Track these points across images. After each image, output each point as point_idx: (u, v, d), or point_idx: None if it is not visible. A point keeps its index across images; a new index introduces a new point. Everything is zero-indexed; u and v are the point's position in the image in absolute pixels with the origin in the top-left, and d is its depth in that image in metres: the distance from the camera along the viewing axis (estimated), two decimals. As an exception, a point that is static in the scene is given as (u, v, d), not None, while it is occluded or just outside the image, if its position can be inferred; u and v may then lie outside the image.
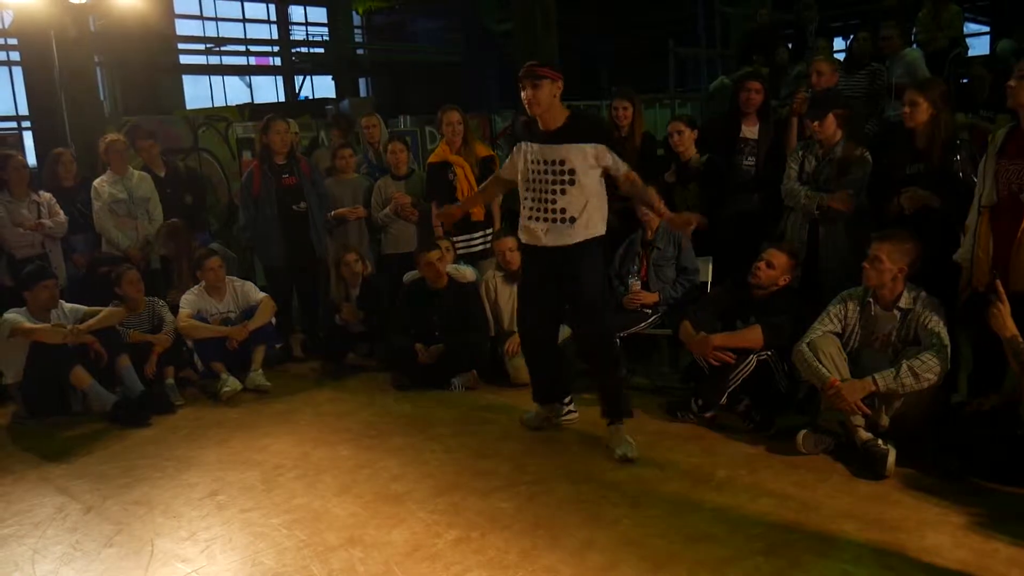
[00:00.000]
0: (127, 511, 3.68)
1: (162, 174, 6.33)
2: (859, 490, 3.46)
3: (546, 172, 3.93)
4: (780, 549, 3.01)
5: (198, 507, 3.67)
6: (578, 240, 3.94)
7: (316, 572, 3.04)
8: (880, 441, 3.61)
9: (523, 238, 4.12)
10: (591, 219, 3.95)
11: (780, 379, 4.26)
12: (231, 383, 5.31)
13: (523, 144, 4.06)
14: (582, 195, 3.90)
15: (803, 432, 3.82)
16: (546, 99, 3.87)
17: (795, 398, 4.33)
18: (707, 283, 5.18)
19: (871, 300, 3.87)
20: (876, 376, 3.62)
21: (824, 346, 3.80)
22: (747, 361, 4.19)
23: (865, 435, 3.65)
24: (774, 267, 4.31)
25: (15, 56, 14.61)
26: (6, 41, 14.84)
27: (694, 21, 15.20)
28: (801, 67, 8.45)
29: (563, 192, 3.89)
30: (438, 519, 3.38)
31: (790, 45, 9.27)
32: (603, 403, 4.13)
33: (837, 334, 3.89)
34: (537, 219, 3.98)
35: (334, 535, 3.31)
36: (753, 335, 4.21)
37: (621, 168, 3.99)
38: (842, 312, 3.92)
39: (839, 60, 5.39)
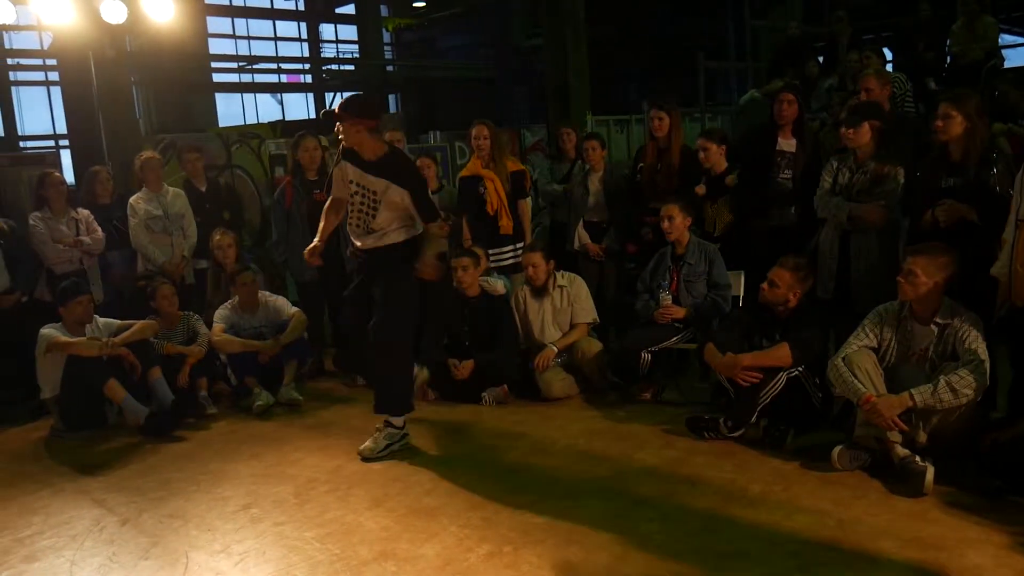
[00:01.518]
0: (162, 524, 3.72)
1: (203, 188, 6.43)
2: (897, 507, 3.40)
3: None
4: (816, 567, 2.97)
5: (232, 520, 3.70)
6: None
7: (349, 586, 3.05)
8: (918, 458, 3.55)
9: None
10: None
11: (813, 395, 4.21)
12: (264, 397, 5.36)
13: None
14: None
15: (839, 448, 3.76)
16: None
17: (830, 414, 4.29)
18: (739, 297, 5.14)
19: (908, 314, 3.82)
20: (913, 392, 3.56)
21: (860, 361, 3.75)
22: (776, 379, 4.15)
23: (902, 451, 3.59)
24: (778, 285, 4.27)
25: (53, 76, 14.94)
26: (45, 62, 15.17)
27: (724, 34, 15.18)
28: (832, 80, 8.42)
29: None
30: (470, 533, 3.38)
31: (821, 58, 9.22)
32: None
33: (873, 349, 3.84)
34: None
35: (367, 549, 3.32)
36: (781, 353, 4.17)
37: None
38: (878, 326, 3.87)
39: (889, 73, 5.31)
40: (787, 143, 5.33)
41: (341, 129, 4.22)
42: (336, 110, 4.23)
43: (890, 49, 11.92)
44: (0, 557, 3.51)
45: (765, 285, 4.31)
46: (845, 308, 4.46)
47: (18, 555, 3.52)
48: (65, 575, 3.31)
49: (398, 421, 4.40)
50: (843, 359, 3.81)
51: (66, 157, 9.50)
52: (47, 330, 5.21)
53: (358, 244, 4.43)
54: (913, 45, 8.85)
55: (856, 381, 3.71)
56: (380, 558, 3.23)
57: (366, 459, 4.27)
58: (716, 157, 5.35)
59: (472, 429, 4.74)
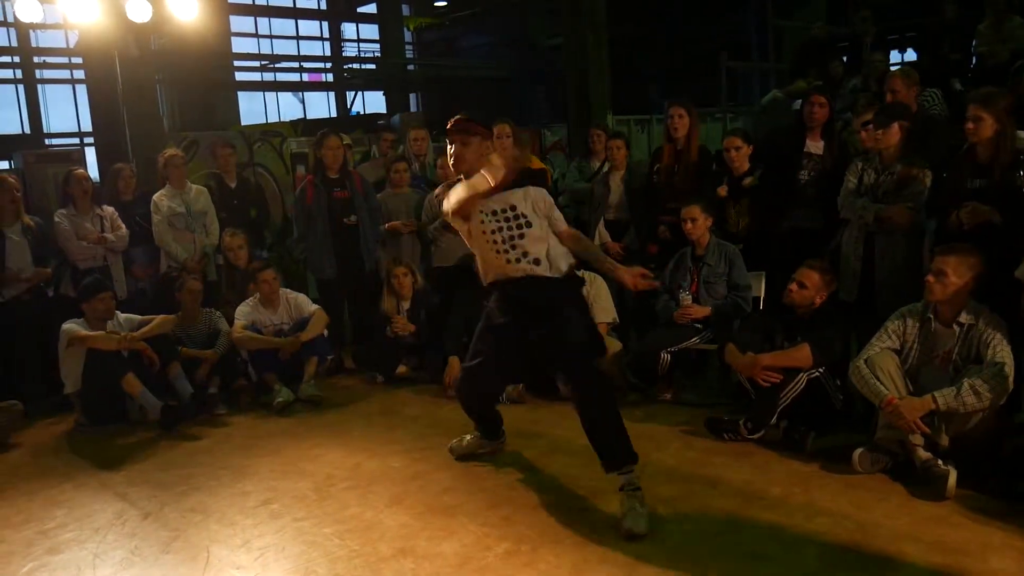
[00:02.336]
0: (184, 518, 3.76)
1: (233, 185, 6.48)
2: (919, 511, 3.37)
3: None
4: (836, 570, 2.96)
5: (252, 515, 3.73)
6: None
7: (368, 582, 3.06)
8: (940, 461, 3.52)
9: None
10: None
11: (834, 396, 4.19)
12: (284, 394, 5.40)
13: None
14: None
15: (860, 451, 3.74)
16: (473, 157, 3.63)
17: (850, 415, 4.26)
18: (760, 299, 5.12)
19: (931, 316, 3.78)
20: (936, 394, 3.53)
21: (882, 363, 3.73)
22: (796, 380, 4.12)
23: (924, 455, 3.56)
24: (806, 287, 4.25)
25: (78, 74, 15.13)
26: (70, 60, 15.35)
27: (747, 34, 15.10)
28: (856, 81, 8.35)
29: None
30: (489, 532, 3.38)
31: (845, 58, 9.15)
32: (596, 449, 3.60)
33: (896, 351, 3.81)
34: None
35: (386, 546, 3.33)
36: (801, 354, 4.15)
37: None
38: (901, 328, 3.84)
39: (917, 74, 5.26)
40: (815, 145, 5.29)
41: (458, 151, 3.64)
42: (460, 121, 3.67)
43: (914, 49, 11.83)
44: (24, 549, 3.55)
45: (793, 286, 4.28)
46: (868, 310, 4.43)
47: (42, 547, 3.56)
48: (88, 568, 3.35)
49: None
50: (865, 361, 3.78)
51: (91, 154, 9.60)
52: (69, 325, 5.28)
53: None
54: (938, 45, 8.77)
55: (878, 383, 3.69)
56: (399, 555, 3.24)
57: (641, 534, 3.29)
58: (744, 158, 5.32)
59: (490, 428, 4.74)
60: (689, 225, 5.02)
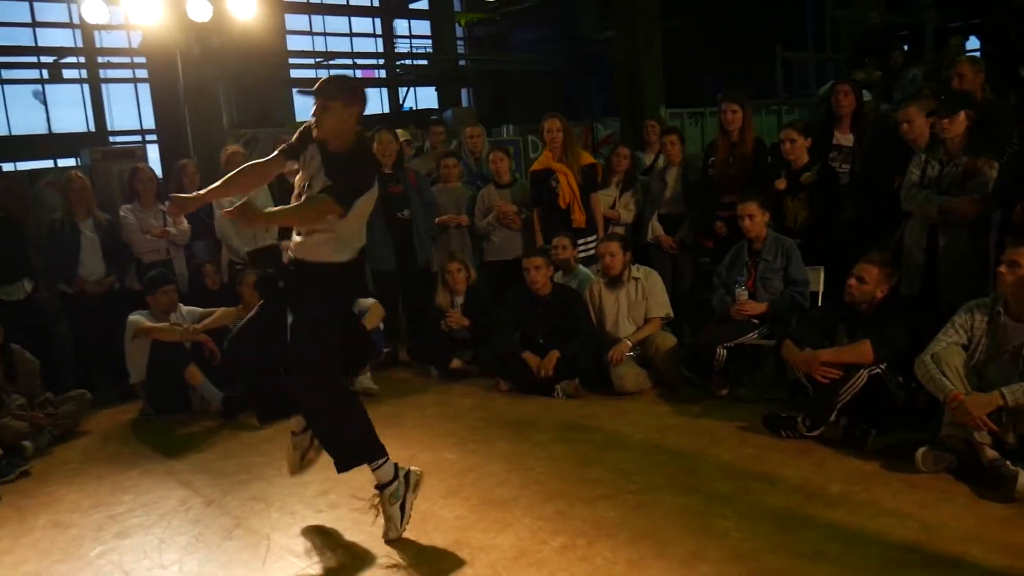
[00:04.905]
0: (245, 506, 3.84)
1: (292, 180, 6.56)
2: (985, 512, 3.28)
3: None
4: (898, 570, 2.90)
5: (311, 505, 3.80)
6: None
7: (425, 573, 3.09)
8: (1008, 462, 3.43)
9: None
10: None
11: (896, 394, 4.09)
12: (359, 382, 5.46)
13: None
14: None
15: (923, 449, 3.65)
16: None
17: (913, 413, 4.16)
18: (818, 294, 5.03)
19: (1000, 310, 3.67)
20: (1004, 390, 3.43)
21: (948, 358, 3.63)
22: (857, 376, 4.03)
23: (992, 454, 3.47)
24: (866, 282, 4.14)
25: (140, 74, 15.52)
26: (132, 60, 15.74)
27: (803, 25, 14.82)
28: (917, 70, 8.15)
29: None
30: (544, 525, 3.39)
31: (906, 47, 8.93)
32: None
33: (963, 346, 3.71)
34: None
35: (441, 537, 3.36)
36: (862, 350, 4.06)
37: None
38: (968, 323, 3.73)
39: (983, 61, 5.13)
40: (844, 137, 5.22)
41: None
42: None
43: (978, 37, 11.47)
44: (94, 533, 3.68)
45: (852, 282, 4.18)
46: (931, 305, 4.32)
47: (111, 531, 3.68)
48: (155, 552, 3.45)
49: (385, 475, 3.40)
50: (931, 356, 3.69)
51: (152, 151, 9.83)
52: (135, 316, 5.45)
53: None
54: (1004, 33, 8.49)
55: (944, 378, 3.60)
56: (455, 546, 3.27)
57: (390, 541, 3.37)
58: (801, 150, 5.24)
59: (544, 422, 4.75)
60: (747, 222, 4.96)
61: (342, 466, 3.37)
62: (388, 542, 3.34)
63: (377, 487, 3.36)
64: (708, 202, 5.73)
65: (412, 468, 3.44)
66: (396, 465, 3.39)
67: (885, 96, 8.28)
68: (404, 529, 3.35)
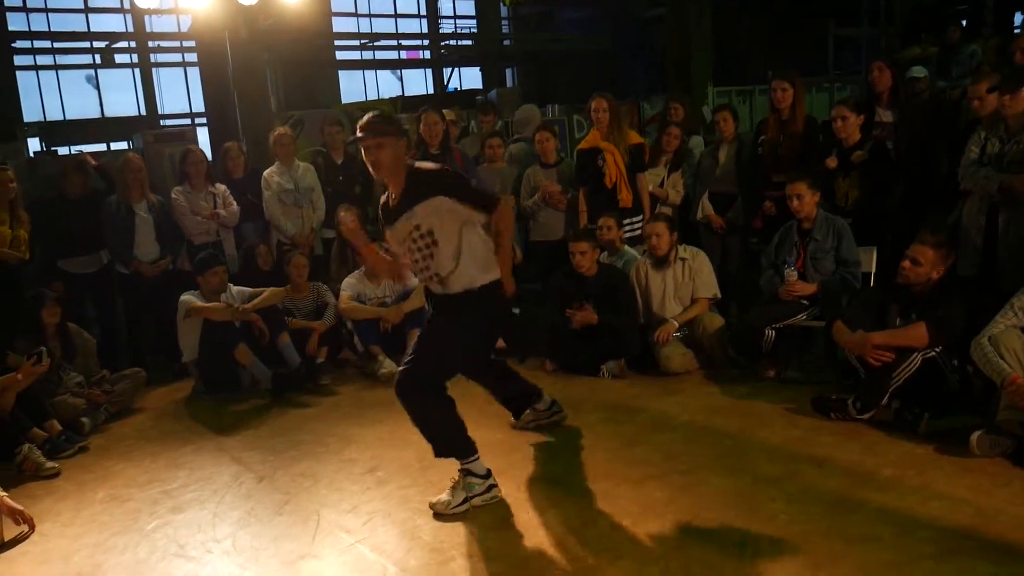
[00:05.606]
0: (295, 483, 3.91)
1: (340, 161, 6.62)
2: (1043, 498, 3.21)
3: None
4: (952, 556, 2.83)
5: (359, 482, 3.85)
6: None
7: (473, 551, 3.12)
8: (1068, 446, 3.34)
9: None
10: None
11: (950, 377, 4.00)
12: (388, 364, 5.53)
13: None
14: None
15: (978, 433, 3.57)
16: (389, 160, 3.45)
17: (968, 397, 4.06)
18: (871, 275, 4.93)
19: (1061, 293, 3.57)
20: (1064, 375, 3.34)
21: (1007, 341, 3.54)
22: (911, 359, 3.94)
23: (1051, 438, 3.38)
24: (920, 264, 4.03)
25: (189, 58, 15.73)
26: (182, 44, 15.96)
27: (856, 0, 14.43)
28: (976, 46, 7.90)
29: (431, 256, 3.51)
30: (590, 505, 3.40)
31: (964, 22, 8.67)
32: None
33: (1022, 329, 3.61)
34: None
35: (488, 515, 3.38)
36: (917, 333, 3.96)
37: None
38: (1029, 305, 3.64)
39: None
40: (885, 114, 5.10)
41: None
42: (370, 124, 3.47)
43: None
44: (150, 507, 3.78)
45: (907, 263, 4.06)
46: (989, 286, 4.21)
47: (166, 506, 3.78)
48: (208, 526, 3.53)
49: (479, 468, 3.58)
50: (988, 339, 3.60)
51: (202, 134, 9.98)
52: (187, 296, 5.57)
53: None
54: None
55: (1001, 362, 3.51)
56: (502, 525, 3.29)
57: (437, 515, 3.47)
58: (852, 128, 5.12)
59: (590, 402, 4.74)
60: (796, 203, 4.87)
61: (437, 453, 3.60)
62: (436, 515, 3.41)
63: (463, 471, 3.50)
64: (758, 181, 5.65)
65: (499, 492, 3.55)
66: (490, 472, 3.55)
67: (942, 73, 8.06)
68: (450, 513, 3.40)
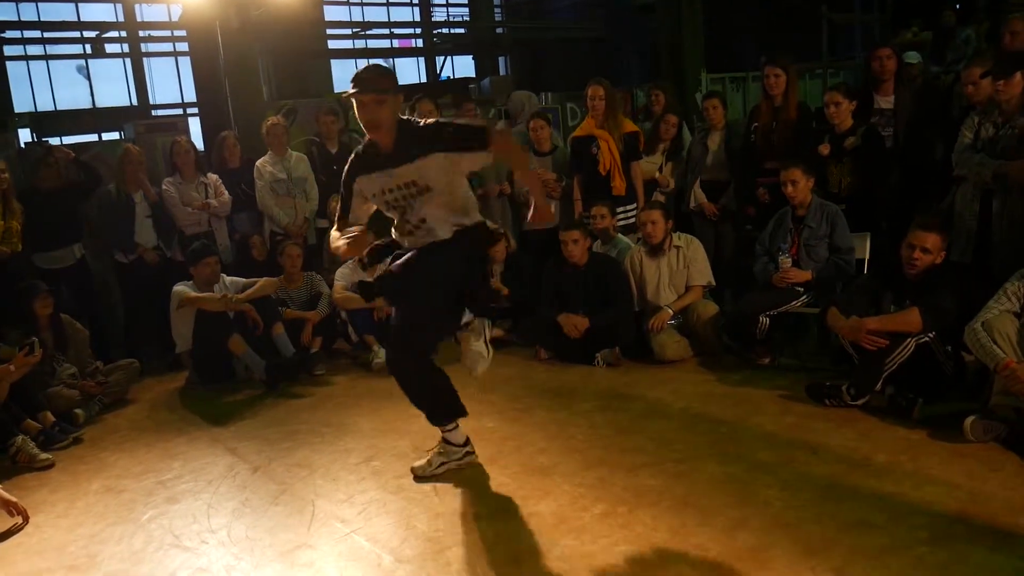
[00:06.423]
0: (290, 473, 3.91)
1: (334, 151, 6.59)
2: (1036, 482, 3.22)
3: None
4: (946, 540, 2.84)
5: (355, 472, 3.85)
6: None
7: (468, 540, 3.12)
8: (1061, 431, 3.35)
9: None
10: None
11: (944, 363, 4.01)
12: (382, 355, 5.50)
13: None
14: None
15: (972, 418, 3.57)
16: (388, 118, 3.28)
17: (962, 383, 4.08)
18: (864, 261, 4.94)
19: (1054, 278, 3.58)
20: (1058, 359, 3.35)
21: (1000, 326, 3.55)
22: (904, 345, 3.95)
23: (1044, 423, 3.39)
24: (930, 251, 4.01)
25: (180, 47, 15.63)
26: (173, 34, 15.86)
27: (848, -15, 14.39)
28: (970, 31, 7.90)
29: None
30: (584, 493, 3.40)
31: (958, 6, 8.67)
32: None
33: (1015, 314, 3.61)
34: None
35: (483, 504, 3.39)
36: (911, 318, 3.96)
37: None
38: (1021, 290, 3.64)
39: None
40: (885, 100, 5.09)
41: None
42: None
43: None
44: (145, 497, 3.78)
45: (918, 253, 4.00)
46: (982, 272, 4.22)
47: (161, 496, 3.78)
48: (203, 517, 3.53)
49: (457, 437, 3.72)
50: (982, 324, 3.61)
51: (194, 124, 9.92)
52: (179, 287, 5.55)
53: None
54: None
55: (995, 346, 3.52)
56: (496, 513, 3.30)
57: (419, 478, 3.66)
58: (845, 114, 5.11)
59: (584, 390, 4.75)
60: (790, 188, 4.86)
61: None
62: (416, 478, 3.65)
63: (444, 439, 3.71)
64: (751, 168, 5.64)
65: (475, 458, 3.76)
66: (468, 440, 3.76)
67: (936, 58, 8.05)
68: (428, 475, 3.64)
